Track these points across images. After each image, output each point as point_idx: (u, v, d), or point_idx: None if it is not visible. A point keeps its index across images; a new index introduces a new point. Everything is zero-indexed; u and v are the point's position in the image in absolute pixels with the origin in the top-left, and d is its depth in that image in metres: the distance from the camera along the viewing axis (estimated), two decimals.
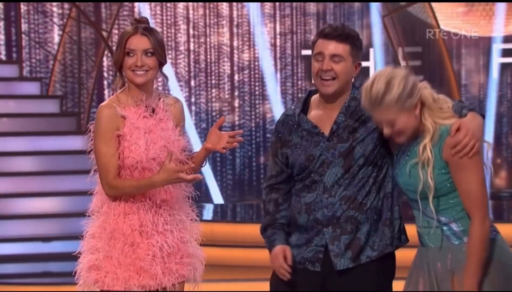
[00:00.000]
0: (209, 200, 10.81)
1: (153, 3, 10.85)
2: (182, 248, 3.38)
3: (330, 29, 3.31)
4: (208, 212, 10.20)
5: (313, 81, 3.38)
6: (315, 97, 3.41)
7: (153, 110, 3.37)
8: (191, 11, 10.93)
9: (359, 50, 3.34)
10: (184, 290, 3.43)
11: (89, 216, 3.42)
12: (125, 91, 3.38)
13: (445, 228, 3.10)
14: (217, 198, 10.82)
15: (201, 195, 11.96)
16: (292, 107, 3.46)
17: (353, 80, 3.38)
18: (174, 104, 3.44)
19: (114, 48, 3.80)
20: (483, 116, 3.15)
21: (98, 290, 3.31)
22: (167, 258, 3.33)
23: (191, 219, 3.45)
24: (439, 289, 3.09)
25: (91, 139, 3.37)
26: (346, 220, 3.28)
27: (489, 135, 10.47)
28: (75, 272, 3.38)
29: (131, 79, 3.34)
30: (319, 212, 3.30)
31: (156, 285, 3.32)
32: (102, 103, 3.34)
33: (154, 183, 3.28)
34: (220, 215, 9.96)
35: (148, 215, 3.32)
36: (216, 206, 10.54)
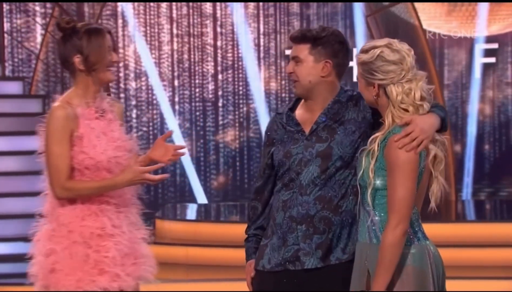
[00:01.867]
0: (193, 199, 10.80)
1: (136, 3, 10.82)
2: (136, 249, 3.39)
3: (294, 33, 3.39)
4: (191, 212, 10.20)
5: None
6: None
7: (103, 111, 3.37)
8: (174, 11, 10.91)
9: (325, 48, 3.34)
10: (141, 289, 3.43)
11: (39, 217, 3.38)
12: (77, 92, 3.35)
13: (371, 224, 3.12)
14: (201, 197, 10.82)
15: (185, 195, 11.96)
16: (284, 107, 3.52)
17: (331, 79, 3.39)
18: (117, 105, 3.46)
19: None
20: (445, 123, 3.15)
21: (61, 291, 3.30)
22: (124, 259, 3.34)
23: (139, 220, 3.45)
24: (354, 287, 3.13)
25: (43, 141, 3.33)
26: (320, 219, 3.31)
27: (471, 135, 10.52)
28: (33, 275, 3.35)
29: (107, 77, 3.34)
30: (294, 209, 3.33)
31: (117, 287, 3.32)
32: (55, 104, 3.30)
33: (117, 184, 3.29)
34: (204, 215, 9.96)
35: (106, 217, 3.31)
36: (199, 205, 10.53)
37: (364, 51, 3.14)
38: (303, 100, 3.44)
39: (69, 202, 3.31)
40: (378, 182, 3.09)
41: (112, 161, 3.30)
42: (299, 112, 3.42)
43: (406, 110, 3.10)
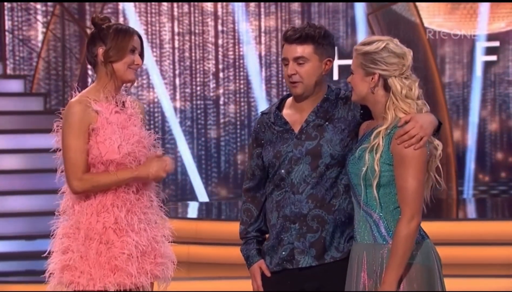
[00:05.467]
0: (194, 197, 10.80)
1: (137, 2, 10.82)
2: (155, 247, 3.37)
3: (291, 32, 3.33)
4: (192, 209, 10.20)
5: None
6: (290, 99, 3.45)
7: (123, 105, 3.37)
8: (175, 9, 10.91)
9: (327, 46, 3.34)
10: (154, 289, 3.41)
11: (58, 215, 3.40)
12: (97, 87, 3.36)
13: (373, 225, 3.12)
14: (202, 195, 10.82)
15: (186, 192, 11.94)
16: (270, 106, 3.50)
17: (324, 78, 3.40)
18: (138, 104, 3.45)
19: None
20: (440, 124, 3.18)
21: (72, 290, 3.29)
22: (141, 257, 3.32)
23: (162, 218, 3.44)
24: (359, 288, 3.12)
25: (58, 137, 3.35)
26: (313, 218, 3.31)
27: (473, 134, 10.52)
28: (48, 272, 3.35)
29: (126, 76, 3.35)
30: (287, 208, 3.33)
31: (131, 284, 3.30)
32: (72, 99, 3.33)
33: (136, 176, 3.30)
34: (205, 212, 9.96)
35: (122, 213, 3.30)
36: (200, 203, 10.54)
37: (366, 43, 3.16)
38: (291, 100, 3.41)
39: (85, 199, 3.31)
40: (382, 177, 3.08)
41: (128, 157, 3.29)
42: (287, 112, 3.40)
43: (409, 104, 3.12)
